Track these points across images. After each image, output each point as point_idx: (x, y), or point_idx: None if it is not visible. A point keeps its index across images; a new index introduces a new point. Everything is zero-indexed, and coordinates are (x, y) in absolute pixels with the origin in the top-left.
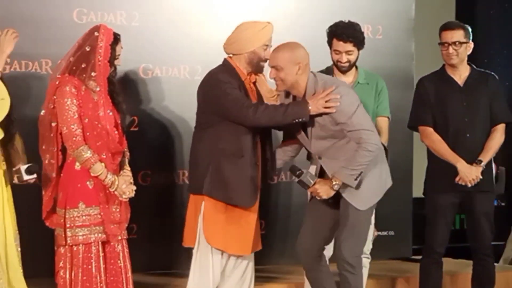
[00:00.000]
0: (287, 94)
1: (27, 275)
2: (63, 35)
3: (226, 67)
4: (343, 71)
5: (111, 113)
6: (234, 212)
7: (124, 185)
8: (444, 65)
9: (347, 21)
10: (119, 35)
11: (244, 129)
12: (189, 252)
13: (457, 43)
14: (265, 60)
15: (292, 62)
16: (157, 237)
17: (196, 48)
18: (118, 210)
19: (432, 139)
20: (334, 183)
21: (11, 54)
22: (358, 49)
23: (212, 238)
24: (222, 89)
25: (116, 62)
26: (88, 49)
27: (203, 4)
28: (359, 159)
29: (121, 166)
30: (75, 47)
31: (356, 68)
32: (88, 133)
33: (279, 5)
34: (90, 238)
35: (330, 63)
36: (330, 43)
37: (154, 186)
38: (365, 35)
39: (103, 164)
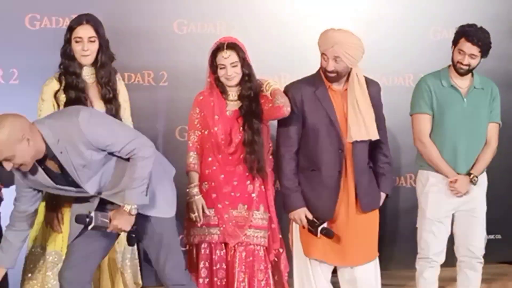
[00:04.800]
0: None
1: None
2: (164, 46)
3: None
4: (461, 73)
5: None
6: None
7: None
8: None
9: (479, 26)
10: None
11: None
12: None
13: None
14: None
15: None
16: None
17: (293, 57)
18: (241, 214)
19: None
20: (129, 208)
21: (115, 67)
22: (481, 56)
23: (308, 250)
24: None
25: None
26: None
27: (298, 14)
28: (141, 172)
29: None
30: None
31: (472, 73)
32: None
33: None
34: (201, 239)
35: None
36: (456, 42)
37: None
38: None
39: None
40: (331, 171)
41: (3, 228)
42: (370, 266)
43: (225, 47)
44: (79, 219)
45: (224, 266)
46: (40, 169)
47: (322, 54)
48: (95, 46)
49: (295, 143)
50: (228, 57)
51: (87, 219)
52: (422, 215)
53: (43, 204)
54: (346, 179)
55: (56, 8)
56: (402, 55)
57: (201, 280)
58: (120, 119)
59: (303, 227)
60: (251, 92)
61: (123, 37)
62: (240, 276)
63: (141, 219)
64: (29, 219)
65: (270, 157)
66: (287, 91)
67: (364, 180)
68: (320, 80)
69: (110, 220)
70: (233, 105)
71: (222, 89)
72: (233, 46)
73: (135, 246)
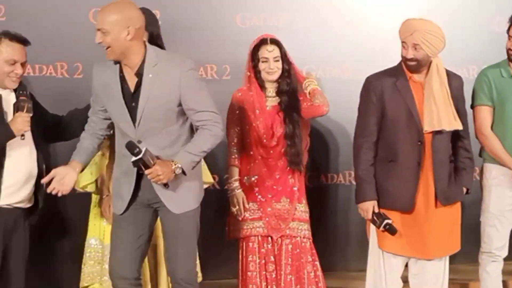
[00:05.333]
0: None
1: None
2: (227, 40)
3: None
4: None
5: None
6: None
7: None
8: None
9: None
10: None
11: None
12: None
13: None
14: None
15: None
16: None
17: (355, 50)
18: (285, 207)
19: None
20: (175, 165)
21: None
22: None
23: (383, 242)
24: None
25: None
26: None
27: (361, 7)
28: (203, 144)
29: None
30: None
31: None
32: None
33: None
34: (247, 232)
35: None
36: (508, 29)
37: None
38: None
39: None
40: (410, 163)
41: None
42: (440, 260)
43: (269, 41)
44: (129, 145)
45: (272, 259)
46: (118, 74)
47: (402, 42)
48: None
49: (374, 134)
50: (272, 51)
51: (137, 149)
52: (485, 209)
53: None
54: (424, 171)
55: None
56: (466, 46)
57: (249, 274)
58: None
59: (368, 219)
60: (289, 88)
61: (186, 30)
62: (287, 268)
63: (166, 212)
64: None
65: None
66: (367, 82)
67: (443, 173)
68: (401, 71)
69: (154, 164)
70: (272, 100)
71: (261, 84)
72: (277, 42)
73: None
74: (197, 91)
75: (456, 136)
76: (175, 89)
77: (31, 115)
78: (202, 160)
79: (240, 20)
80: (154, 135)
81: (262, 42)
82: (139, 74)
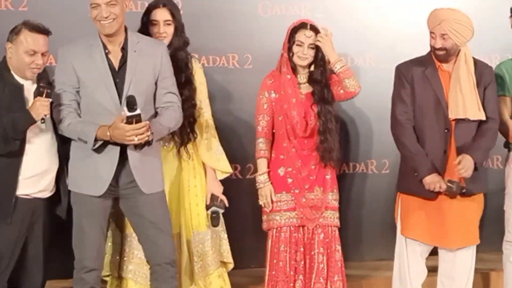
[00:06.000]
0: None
1: None
2: (248, 29)
3: None
4: None
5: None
6: (427, 203)
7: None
8: None
9: None
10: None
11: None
12: None
13: None
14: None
15: None
16: None
17: (377, 39)
18: (318, 196)
19: None
20: (150, 130)
21: (199, 50)
22: None
23: (406, 228)
24: None
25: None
26: None
27: None
28: (169, 121)
29: None
30: None
31: None
32: None
33: None
34: (281, 223)
35: None
36: None
37: None
38: None
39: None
40: (436, 150)
41: None
42: (469, 250)
43: (308, 27)
44: (132, 98)
45: (301, 249)
46: (103, 51)
47: (431, 32)
48: (170, 29)
49: (411, 116)
50: (309, 37)
51: (136, 105)
52: (509, 198)
53: None
54: (451, 159)
55: None
56: (489, 35)
57: (281, 264)
58: (195, 103)
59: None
60: (322, 78)
61: (208, 20)
62: (319, 257)
63: (137, 197)
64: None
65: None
66: (398, 70)
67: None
68: (430, 60)
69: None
70: (304, 88)
71: (293, 68)
72: (315, 29)
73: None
74: (171, 74)
75: (482, 123)
76: (157, 66)
77: (50, 100)
78: (221, 149)
79: (261, 9)
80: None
81: (302, 26)
82: (124, 49)
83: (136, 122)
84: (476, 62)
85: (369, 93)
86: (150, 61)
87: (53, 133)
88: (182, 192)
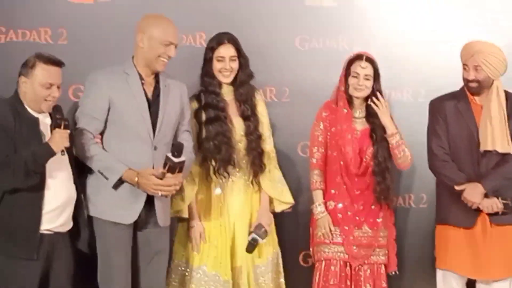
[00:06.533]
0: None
1: None
2: (286, 62)
3: None
4: None
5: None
6: (460, 233)
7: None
8: None
9: None
10: None
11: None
12: None
13: None
14: None
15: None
16: None
17: (414, 73)
18: (367, 235)
19: None
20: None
21: None
22: None
23: (442, 261)
24: None
25: None
26: None
27: (422, 29)
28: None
29: None
30: None
31: None
32: None
33: None
34: (328, 255)
35: None
36: None
37: None
38: None
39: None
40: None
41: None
42: (506, 282)
43: (364, 58)
44: (179, 144)
45: (348, 283)
46: (139, 81)
47: (464, 65)
48: (236, 64)
49: (446, 145)
50: (365, 68)
51: (182, 152)
52: None
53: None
54: None
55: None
56: None
57: None
58: (260, 135)
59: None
60: None
61: (245, 52)
62: None
63: (151, 229)
64: None
65: None
66: (431, 105)
67: None
68: (463, 94)
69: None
70: (360, 123)
71: (349, 100)
72: (372, 61)
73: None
74: (189, 114)
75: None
76: (180, 102)
77: (69, 131)
78: (283, 180)
79: (299, 42)
80: (165, 144)
81: (357, 57)
82: (157, 82)
83: (179, 170)
84: (508, 95)
85: (406, 128)
86: (177, 97)
87: (69, 164)
88: (250, 224)
